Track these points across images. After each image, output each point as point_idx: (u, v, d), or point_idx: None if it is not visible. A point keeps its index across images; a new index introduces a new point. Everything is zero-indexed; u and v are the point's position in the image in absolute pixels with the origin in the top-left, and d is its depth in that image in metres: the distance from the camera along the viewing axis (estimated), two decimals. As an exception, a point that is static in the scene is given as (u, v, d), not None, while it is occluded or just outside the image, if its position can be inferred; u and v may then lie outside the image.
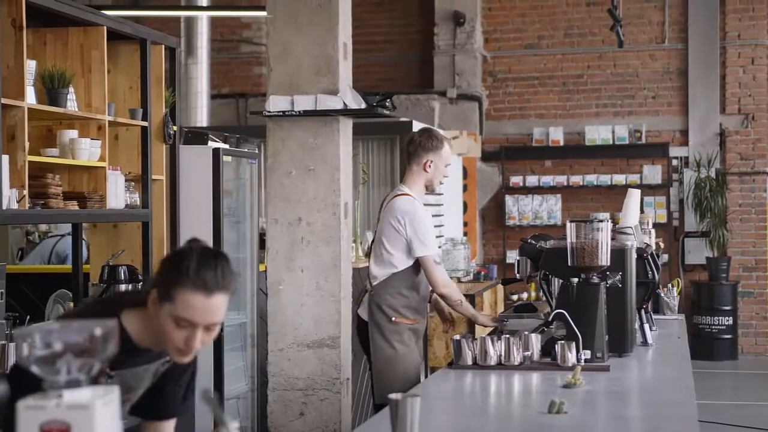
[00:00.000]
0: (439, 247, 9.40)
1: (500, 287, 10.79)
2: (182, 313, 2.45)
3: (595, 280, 4.31)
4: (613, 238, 5.00)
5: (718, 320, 11.82)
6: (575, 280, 4.30)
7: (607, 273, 4.38)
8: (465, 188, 11.85)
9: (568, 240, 4.33)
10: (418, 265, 4.96)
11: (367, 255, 7.92)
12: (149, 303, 2.52)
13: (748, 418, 8.56)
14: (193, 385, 2.87)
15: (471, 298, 8.95)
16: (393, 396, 2.67)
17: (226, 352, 6.16)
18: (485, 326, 4.76)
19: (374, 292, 4.96)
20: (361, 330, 5.07)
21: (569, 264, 4.32)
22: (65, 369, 1.73)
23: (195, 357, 2.72)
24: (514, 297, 11.85)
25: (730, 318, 11.84)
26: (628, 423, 3.27)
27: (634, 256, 4.61)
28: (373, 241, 5.17)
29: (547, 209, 12.43)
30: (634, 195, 5.43)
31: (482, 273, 10.52)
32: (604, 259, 4.30)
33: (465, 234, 11.64)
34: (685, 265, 12.26)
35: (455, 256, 9.49)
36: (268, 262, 5.44)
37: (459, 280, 9.99)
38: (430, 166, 4.99)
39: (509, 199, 12.52)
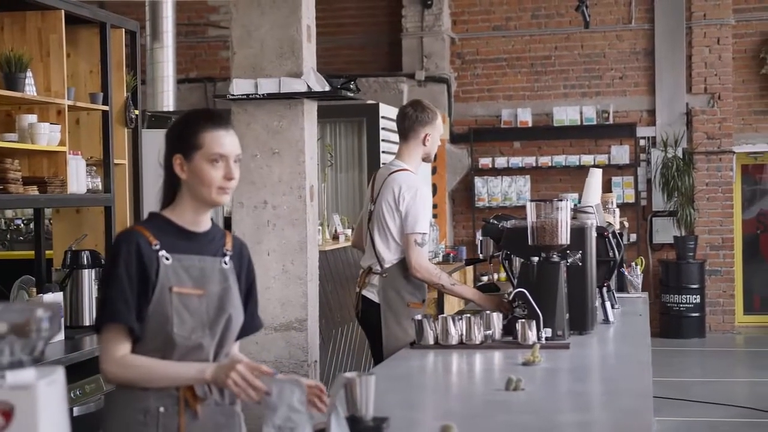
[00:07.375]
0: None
1: (470, 268, 10.83)
2: (215, 149, 2.72)
3: (555, 258, 4.34)
4: (574, 218, 5.04)
5: (686, 298, 11.92)
6: (535, 259, 4.33)
7: (568, 252, 4.41)
8: (434, 170, 11.86)
9: (529, 219, 4.36)
10: None
11: (334, 236, 7.96)
12: (176, 170, 2.74)
13: (716, 395, 8.65)
14: (254, 293, 2.90)
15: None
16: (347, 375, 2.68)
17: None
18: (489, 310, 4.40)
19: (388, 276, 4.73)
20: (368, 312, 4.81)
21: (530, 243, 4.35)
22: (8, 350, 1.73)
23: (250, 259, 2.89)
24: (485, 278, 11.91)
25: (698, 296, 11.94)
26: (581, 398, 3.31)
27: (594, 234, 4.64)
28: (369, 219, 4.87)
29: (516, 190, 12.47)
30: (596, 174, 5.47)
31: (451, 255, 10.54)
32: (564, 238, 4.33)
33: (435, 216, 11.66)
34: (653, 244, 12.34)
35: (423, 238, 9.46)
36: (234, 245, 5.43)
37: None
38: (428, 139, 4.82)
39: (478, 181, 12.55)
